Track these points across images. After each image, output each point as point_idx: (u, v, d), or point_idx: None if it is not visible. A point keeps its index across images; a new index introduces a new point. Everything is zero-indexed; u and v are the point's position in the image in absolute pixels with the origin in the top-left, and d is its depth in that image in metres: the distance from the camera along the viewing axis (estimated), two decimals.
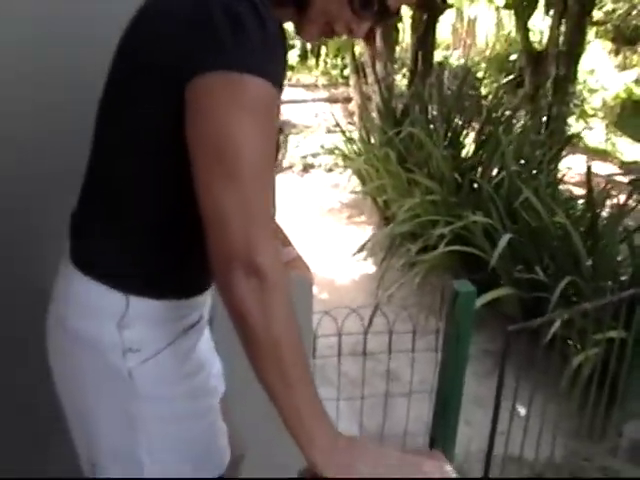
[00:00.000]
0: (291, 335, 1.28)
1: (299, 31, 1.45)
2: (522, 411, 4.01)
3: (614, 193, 6.07)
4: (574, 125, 10.65)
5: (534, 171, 6.42)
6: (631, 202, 5.71)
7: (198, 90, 1.21)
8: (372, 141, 7.94)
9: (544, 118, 8.32)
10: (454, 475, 1.36)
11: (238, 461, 1.90)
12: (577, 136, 9.15)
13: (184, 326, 1.51)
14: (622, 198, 5.73)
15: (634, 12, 12.45)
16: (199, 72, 1.20)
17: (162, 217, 1.42)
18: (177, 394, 1.53)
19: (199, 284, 1.53)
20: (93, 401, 1.49)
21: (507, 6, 9.74)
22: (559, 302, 4.64)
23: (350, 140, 8.32)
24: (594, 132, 11.85)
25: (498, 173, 6.55)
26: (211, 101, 1.20)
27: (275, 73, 1.24)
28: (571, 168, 7.17)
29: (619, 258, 5.37)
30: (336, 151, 8.74)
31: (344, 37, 1.52)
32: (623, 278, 5.12)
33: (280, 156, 1.54)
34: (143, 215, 1.41)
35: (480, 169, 6.79)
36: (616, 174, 7.11)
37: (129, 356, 1.42)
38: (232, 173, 1.20)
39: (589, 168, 5.72)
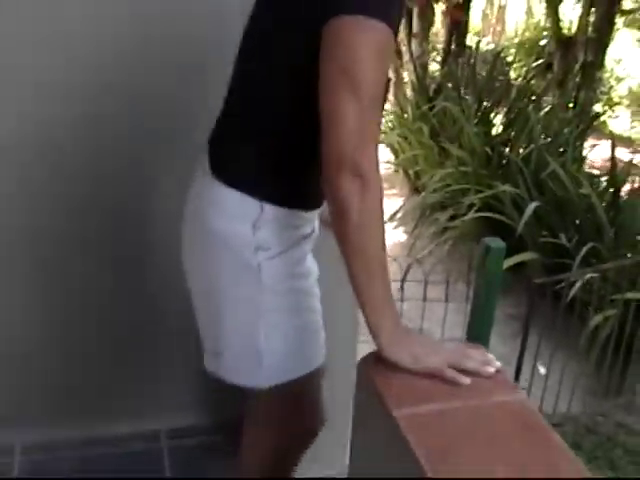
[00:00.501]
0: (378, 232, 1.54)
1: None
2: (542, 370, 4.28)
3: (635, 172, 6.31)
4: (600, 111, 10.82)
5: (561, 147, 6.67)
6: None
7: (334, 27, 1.49)
8: (406, 116, 8.19)
9: (571, 104, 8.52)
10: (496, 362, 1.56)
11: (322, 372, 2.17)
12: (603, 114, 9.31)
13: (300, 235, 1.79)
14: None
15: None
16: (337, 14, 1.48)
17: (290, 140, 1.69)
18: (292, 289, 1.79)
19: (315, 200, 1.79)
20: (224, 291, 1.77)
21: None
22: (581, 267, 4.92)
23: (384, 115, 8.57)
24: (619, 120, 12.02)
25: (526, 148, 6.79)
26: (344, 34, 1.49)
27: (393, 21, 1.52)
28: (596, 145, 7.39)
29: None
30: None
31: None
32: None
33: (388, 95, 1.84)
34: (275, 135, 1.69)
35: (509, 144, 7.08)
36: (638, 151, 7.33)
37: (260, 253, 1.70)
38: (356, 87, 1.47)
39: (613, 144, 5.98)
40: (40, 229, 2.56)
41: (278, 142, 1.68)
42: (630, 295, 4.65)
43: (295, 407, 1.94)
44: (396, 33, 1.55)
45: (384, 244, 1.56)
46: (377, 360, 1.57)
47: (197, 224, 1.81)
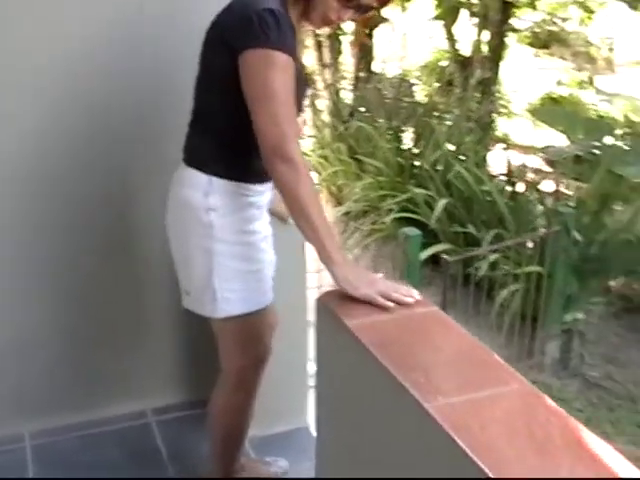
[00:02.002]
0: (312, 196, 2.10)
1: (308, 21, 2.32)
2: None
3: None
4: (502, 123, 11.50)
5: (463, 155, 7.44)
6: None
7: (245, 60, 2.09)
8: (324, 139, 8.91)
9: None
10: (416, 295, 1.98)
11: (274, 326, 2.64)
12: (493, 122, 9.98)
13: (248, 202, 2.34)
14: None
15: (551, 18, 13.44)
16: (245, 49, 2.09)
17: (231, 132, 2.29)
18: (241, 242, 2.33)
19: (254, 176, 2.32)
20: (188, 242, 2.35)
21: (437, 17, 10.56)
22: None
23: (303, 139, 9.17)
24: (520, 130, 12.73)
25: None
26: (253, 65, 2.08)
27: (288, 48, 2.11)
28: (491, 150, 8.13)
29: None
30: None
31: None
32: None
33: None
34: (216, 130, 2.28)
35: (419, 155, 7.82)
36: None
37: (211, 213, 2.27)
38: (269, 100, 2.07)
39: (507, 147, 6.77)
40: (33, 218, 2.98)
41: (219, 135, 2.30)
42: (530, 268, 5.39)
43: (245, 336, 2.49)
44: (294, 56, 2.15)
45: (318, 203, 2.11)
46: (330, 295, 2.01)
47: (171, 197, 2.43)
